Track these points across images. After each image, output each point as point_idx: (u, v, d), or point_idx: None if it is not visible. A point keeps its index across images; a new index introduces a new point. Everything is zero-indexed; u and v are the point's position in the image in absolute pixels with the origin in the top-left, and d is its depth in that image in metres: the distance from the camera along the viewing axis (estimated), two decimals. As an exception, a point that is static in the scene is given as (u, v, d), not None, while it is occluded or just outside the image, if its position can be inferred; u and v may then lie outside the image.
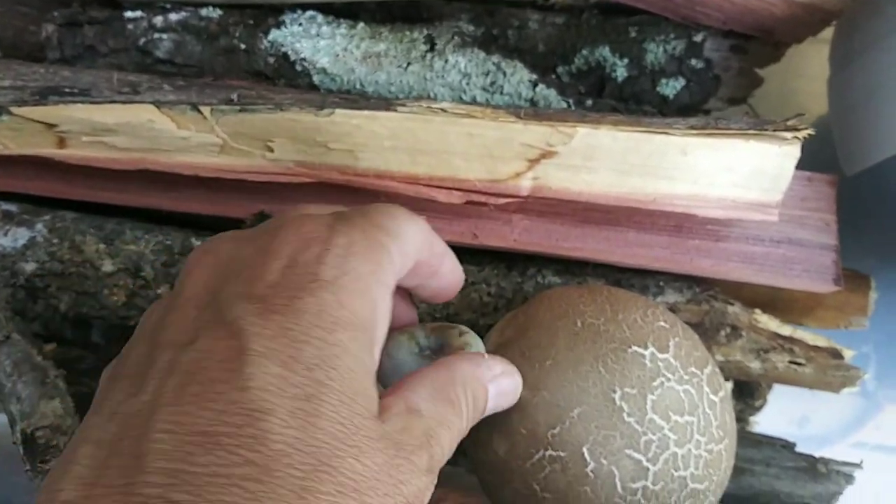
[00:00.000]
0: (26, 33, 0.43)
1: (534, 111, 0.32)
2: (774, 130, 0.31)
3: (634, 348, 0.28)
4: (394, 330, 0.27)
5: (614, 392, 0.28)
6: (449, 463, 0.40)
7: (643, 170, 0.32)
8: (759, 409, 0.45)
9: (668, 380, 0.28)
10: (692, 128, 0.31)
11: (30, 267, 0.34)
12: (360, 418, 0.19)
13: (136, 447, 0.17)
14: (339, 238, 0.21)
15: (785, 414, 0.49)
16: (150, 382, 0.18)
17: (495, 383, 0.26)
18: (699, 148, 0.31)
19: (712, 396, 0.29)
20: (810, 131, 0.31)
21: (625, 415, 0.27)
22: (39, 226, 0.35)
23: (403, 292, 0.28)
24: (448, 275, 0.27)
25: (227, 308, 0.19)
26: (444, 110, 0.32)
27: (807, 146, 0.33)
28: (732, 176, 0.32)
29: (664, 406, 0.28)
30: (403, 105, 0.32)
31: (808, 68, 0.46)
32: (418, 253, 0.24)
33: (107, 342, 0.39)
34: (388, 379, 0.27)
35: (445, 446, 0.22)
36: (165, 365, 0.19)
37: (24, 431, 0.27)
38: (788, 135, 0.31)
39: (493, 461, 0.30)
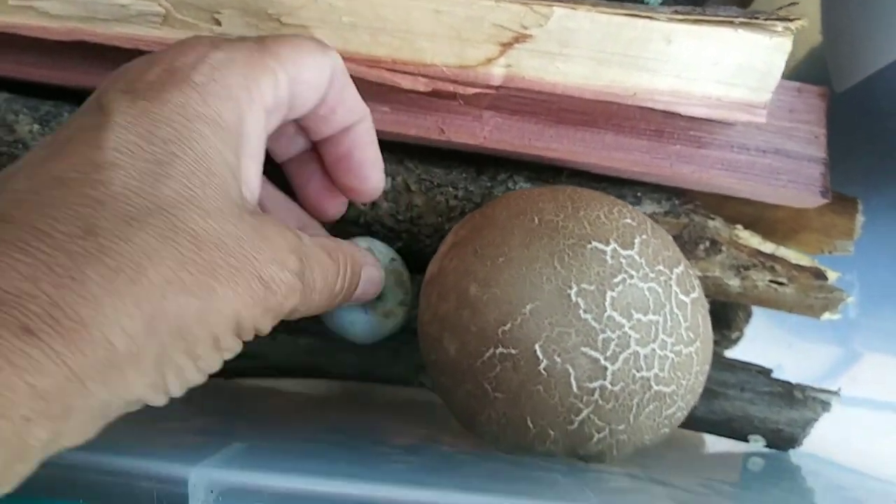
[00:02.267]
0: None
1: (507, -11, 0.30)
2: (765, 20, 0.29)
3: (594, 244, 0.26)
4: None
5: (570, 288, 0.26)
6: (407, 383, 0.38)
7: (623, 60, 0.30)
8: (735, 341, 0.43)
9: (631, 277, 0.26)
10: (677, 13, 0.29)
11: (-42, 145, 0.32)
12: (214, 192, 0.21)
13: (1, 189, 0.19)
14: (218, 53, 0.23)
15: (758, 361, 0.47)
16: (30, 153, 0.21)
17: (368, 269, 0.28)
18: (684, 36, 0.29)
19: (682, 297, 0.27)
20: (803, 21, 0.29)
21: (581, 311, 0.25)
22: (-29, 103, 0.32)
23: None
24: (355, 140, 0.28)
25: (105, 97, 0.21)
26: (408, -17, 0.29)
27: (797, 68, 0.31)
28: (718, 70, 0.29)
29: (625, 303, 0.26)
30: (364, -24, 0.29)
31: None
32: (318, 88, 0.25)
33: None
34: None
35: (317, 280, 0.24)
36: (46, 140, 0.21)
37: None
38: (780, 25, 0.29)
39: (444, 361, 0.28)
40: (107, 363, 0.17)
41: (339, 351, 0.38)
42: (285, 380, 0.44)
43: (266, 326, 0.22)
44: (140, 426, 0.30)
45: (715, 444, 0.40)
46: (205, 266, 0.19)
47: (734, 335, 0.43)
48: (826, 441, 0.40)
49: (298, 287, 0.22)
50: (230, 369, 0.39)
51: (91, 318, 0.17)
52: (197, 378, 0.21)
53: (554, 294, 0.26)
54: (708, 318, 0.29)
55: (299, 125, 0.28)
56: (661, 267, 0.27)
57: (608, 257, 0.26)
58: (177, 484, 0.22)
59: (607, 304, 0.26)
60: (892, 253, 0.39)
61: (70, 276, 0.17)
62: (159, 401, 0.20)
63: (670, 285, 0.27)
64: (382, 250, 0.32)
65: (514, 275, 0.26)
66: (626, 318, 0.26)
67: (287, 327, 0.37)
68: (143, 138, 0.20)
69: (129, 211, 0.19)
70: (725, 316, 0.42)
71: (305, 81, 0.24)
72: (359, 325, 0.32)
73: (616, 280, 0.26)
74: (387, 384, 0.40)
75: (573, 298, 0.26)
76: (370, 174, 0.29)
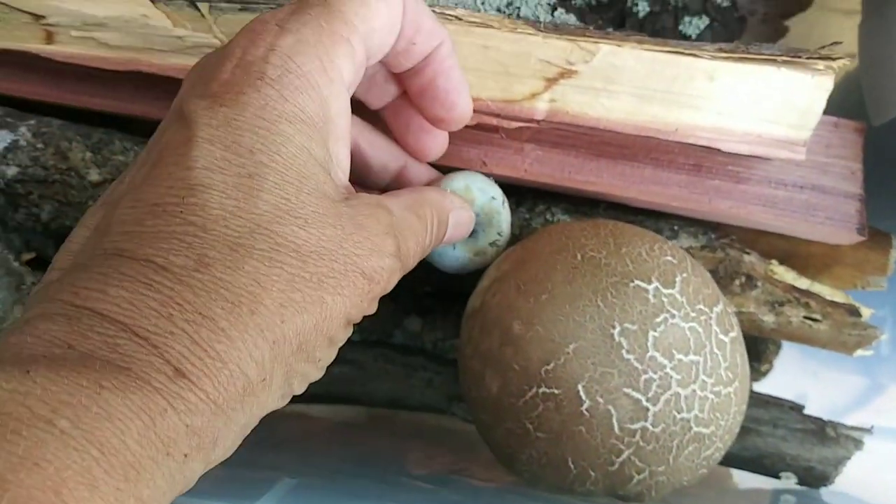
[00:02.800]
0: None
1: (554, 25, 0.30)
2: (807, 59, 0.29)
3: (637, 282, 0.27)
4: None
5: (613, 328, 0.26)
6: (440, 410, 0.39)
7: (667, 96, 0.30)
8: (764, 374, 0.43)
9: (673, 316, 0.26)
10: (721, 50, 0.29)
11: (11, 171, 0.33)
12: (308, 196, 0.21)
13: (107, 222, 0.20)
14: (286, 38, 0.22)
15: (784, 391, 0.47)
16: (129, 175, 0.22)
17: (455, 213, 0.28)
18: (727, 74, 0.29)
19: (721, 336, 0.27)
20: (845, 61, 0.29)
21: (624, 351, 0.26)
22: (23, 129, 0.33)
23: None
24: (437, 68, 0.26)
25: (186, 105, 0.21)
26: (458, 18, 0.30)
27: (831, 97, 0.31)
28: (760, 108, 0.30)
29: (667, 343, 0.26)
30: (412, 13, 0.30)
31: (833, 20, 0.44)
32: (392, 31, 0.24)
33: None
34: None
35: (411, 248, 0.24)
36: (141, 159, 0.22)
37: None
38: (822, 64, 0.29)
39: (486, 399, 0.28)
40: (244, 392, 0.19)
41: (372, 379, 0.38)
42: (311, 404, 0.44)
43: (373, 309, 0.23)
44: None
45: (746, 479, 0.40)
46: (312, 280, 0.20)
47: (764, 367, 0.43)
48: (853, 475, 0.40)
49: (398, 267, 0.23)
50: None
51: (227, 353, 0.18)
52: (318, 375, 0.22)
53: (597, 333, 0.26)
54: (746, 357, 0.29)
55: (383, 67, 0.27)
56: (701, 306, 0.27)
57: (650, 296, 0.27)
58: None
59: (650, 344, 0.26)
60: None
61: (199, 313, 0.18)
62: (285, 402, 0.21)
63: (710, 325, 0.27)
64: (482, 187, 0.31)
65: (557, 312, 0.27)
66: (667, 358, 0.26)
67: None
68: (230, 150, 0.20)
69: (232, 235, 0.19)
70: (756, 349, 0.42)
71: (379, 30, 0.23)
72: (447, 259, 0.32)
73: (658, 320, 0.26)
74: (416, 412, 0.41)
75: (616, 338, 0.26)
76: (457, 100, 0.27)
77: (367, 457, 0.39)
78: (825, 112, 0.32)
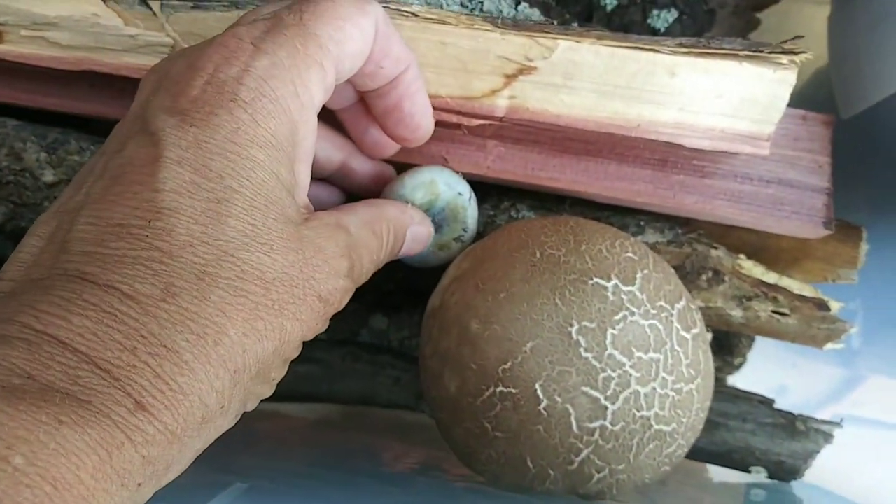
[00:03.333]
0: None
1: (512, 21, 0.30)
2: (770, 53, 0.29)
3: (596, 280, 0.26)
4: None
5: (571, 326, 0.26)
6: (408, 407, 0.38)
7: (627, 92, 0.29)
8: (737, 367, 0.43)
9: (633, 314, 0.26)
10: (682, 45, 0.29)
11: (-35, 171, 0.32)
12: (274, 222, 0.21)
13: (65, 236, 0.19)
14: (261, 59, 0.22)
15: (763, 382, 0.47)
16: (85, 184, 0.21)
17: (413, 228, 0.28)
18: (689, 69, 0.29)
19: (683, 333, 0.27)
20: (808, 55, 0.29)
21: (582, 350, 0.25)
22: (-22, 129, 0.33)
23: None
24: (403, 91, 0.27)
25: (152, 119, 0.21)
26: (414, 14, 0.29)
27: (803, 90, 0.30)
28: (722, 103, 0.29)
29: (626, 341, 0.26)
30: (368, 9, 0.29)
31: (805, 12, 0.43)
32: (363, 54, 0.24)
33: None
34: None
35: (365, 266, 0.25)
36: (99, 169, 0.21)
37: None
38: (785, 58, 0.29)
39: (444, 398, 0.28)
40: (203, 421, 0.19)
41: (339, 378, 0.38)
42: (286, 402, 0.44)
43: (325, 327, 0.23)
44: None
45: (718, 473, 0.39)
46: (274, 307, 0.20)
47: (737, 361, 0.43)
48: (828, 467, 0.40)
49: (350, 287, 0.23)
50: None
51: (188, 385, 0.18)
52: (270, 392, 0.23)
53: (555, 332, 0.26)
54: (709, 354, 0.29)
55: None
56: (662, 303, 0.27)
57: (610, 294, 0.26)
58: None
59: (608, 342, 0.26)
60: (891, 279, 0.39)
61: (164, 346, 0.18)
62: (236, 420, 0.21)
63: (671, 322, 0.27)
64: (449, 181, 0.31)
65: (514, 311, 0.26)
66: (626, 356, 0.26)
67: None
68: (199, 174, 0.20)
69: (199, 262, 0.19)
70: (728, 342, 0.42)
71: (350, 54, 0.24)
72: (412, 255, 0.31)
73: (617, 317, 0.26)
74: (388, 409, 0.40)
75: (574, 336, 0.26)
76: (421, 122, 0.28)
77: (341, 455, 0.38)
78: (794, 105, 0.32)
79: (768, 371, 0.49)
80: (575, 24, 0.36)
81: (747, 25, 0.42)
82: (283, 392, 0.39)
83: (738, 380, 0.48)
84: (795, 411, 0.38)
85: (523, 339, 0.26)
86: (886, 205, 0.38)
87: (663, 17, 0.39)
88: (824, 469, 0.40)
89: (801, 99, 0.34)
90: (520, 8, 0.35)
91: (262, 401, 0.40)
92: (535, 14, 0.35)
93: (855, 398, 0.53)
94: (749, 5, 0.41)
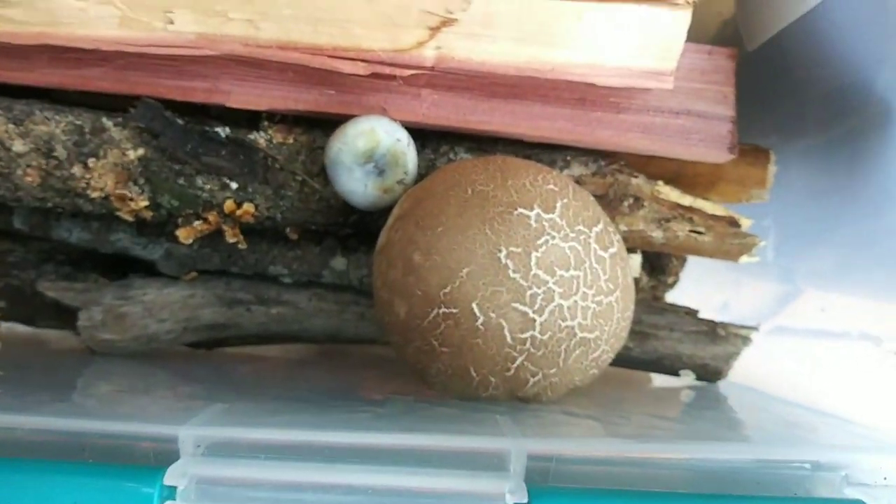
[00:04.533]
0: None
1: (432, -21, 0.32)
2: (668, -4, 0.32)
3: (520, 210, 0.30)
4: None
5: (500, 251, 0.29)
6: (374, 341, 0.42)
7: (541, 38, 0.32)
8: (671, 285, 0.47)
9: (553, 238, 0.30)
10: (587, -6, 0.32)
11: (-64, 148, 0.34)
12: None
13: None
14: None
15: (707, 300, 0.51)
16: None
17: None
18: (593, 13, 0.32)
19: (601, 252, 0.31)
20: (700, -3, 0.32)
21: (510, 271, 0.29)
22: (-56, 107, 0.35)
23: None
24: None
25: None
26: (341, -22, 0.32)
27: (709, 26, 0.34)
28: (627, 43, 0.33)
29: (549, 262, 0.29)
30: (301, -27, 0.32)
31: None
32: None
33: (30, 228, 0.40)
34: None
35: None
36: None
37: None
38: (680, 0, 0.32)
39: (395, 322, 0.31)
40: None
41: (308, 318, 0.41)
42: (266, 346, 0.47)
43: None
44: (135, 396, 0.34)
45: (658, 381, 0.44)
46: None
47: (670, 280, 0.47)
48: (759, 372, 0.44)
49: None
50: (212, 340, 0.43)
51: None
52: None
53: (486, 257, 0.29)
54: (627, 270, 0.33)
55: None
56: (580, 227, 0.31)
57: (532, 221, 0.30)
58: (168, 441, 0.26)
59: (532, 263, 0.29)
60: (803, 198, 0.43)
61: None
62: None
63: (590, 243, 0.31)
64: (388, 129, 0.34)
65: (451, 242, 0.30)
66: (549, 275, 0.29)
67: (259, 300, 0.41)
68: None
69: None
70: (660, 263, 0.46)
71: None
72: (358, 197, 0.35)
73: (539, 241, 0.30)
74: (356, 344, 0.44)
75: (503, 261, 0.29)
76: None
77: (318, 387, 0.42)
78: (700, 41, 0.36)
79: (709, 290, 0.53)
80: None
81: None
82: (260, 333, 0.42)
83: (680, 298, 0.52)
84: (742, 321, 0.42)
85: (459, 266, 0.29)
86: (793, 127, 0.42)
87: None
88: (756, 374, 0.45)
89: (708, 36, 0.37)
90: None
91: (238, 342, 0.44)
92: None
93: (791, 310, 0.58)
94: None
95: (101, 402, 0.33)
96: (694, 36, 0.34)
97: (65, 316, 0.42)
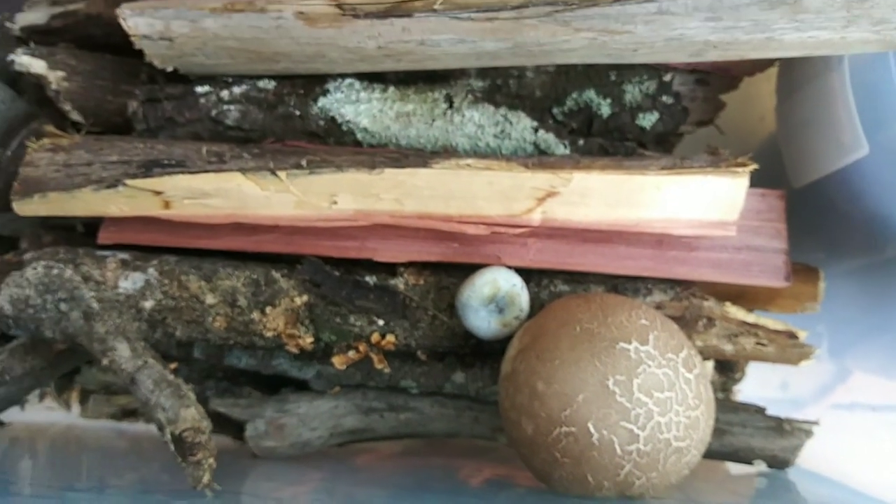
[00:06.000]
0: (105, 102, 0.51)
1: (539, 160, 0.41)
2: (727, 167, 0.40)
3: (622, 344, 0.38)
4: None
5: (608, 380, 0.37)
6: (488, 438, 0.49)
7: (627, 202, 0.41)
8: (738, 380, 0.54)
9: (650, 366, 0.37)
10: (663, 168, 0.40)
11: (149, 304, 0.44)
12: None
13: None
14: None
15: (769, 382, 0.58)
16: None
17: None
18: (669, 184, 0.40)
19: (687, 374, 0.38)
20: (755, 167, 0.40)
21: (617, 396, 0.37)
22: (151, 270, 0.44)
23: None
24: None
25: None
26: (469, 165, 0.40)
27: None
28: (697, 203, 0.41)
29: (647, 387, 0.37)
30: (437, 162, 0.41)
31: (761, 94, 0.54)
32: None
33: (207, 357, 0.49)
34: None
35: None
36: None
37: (173, 434, 0.36)
38: (739, 169, 0.40)
39: (523, 438, 0.39)
40: None
41: (431, 421, 0.49)
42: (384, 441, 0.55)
43: None
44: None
45: (733, 468, 0.51)
46: None
47: (738, 375, 0.54)
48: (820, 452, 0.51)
49: None
50: (348, 440, 0.51)
51: None
52: None
53: (597, 385, 0.37)
54: (708, 386, 0.40)
55: None
56: (670, 354, 0.38)
57: (632, 353, 0.38)
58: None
59: (635, 388, 0.37)
60: (851, 309, 0.50)
61: None
62: None
63: (678, 367, 0.38)
64: (506, 277, 0.42)
65: (566, 373, 0.38)
66: (648, 397, 0.37)
67: (391, 407, 0.49)
68: None
69: None
70: (729, 363, 0.53)
71: None
72: (482, 331, 0.43)
73: (639, 370, 0.37)
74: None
75: (611, 387, 0.37)
76: None
77: (422, 475, 0.49)
78: (755, 184, 0.43)
79: (770, 372, 0.60)
80: (581, 142, 0.47)
81: (716, 108, 0.53)
82: (390, 435, 0.50)
83: (747, 383, 0.59)
84: (798, 404, 0.49)
85: (576, 393, 0.37)
86: (838, 251, 0.49)
87: (647, 118, 0.50)
88: (818, 456, 0.51)
89: (762, 166, 0.44)
90: (538, 134, 0.47)
91: (370, 439, 0.52)
92: (551, 137, 0.47)
93: (847, 386, 0.64)
94: (713, 93, 0.53)
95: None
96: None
97: (223, 423, 0.51)
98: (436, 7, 0.36)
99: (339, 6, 0.38)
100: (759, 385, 0.58)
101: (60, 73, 0.50)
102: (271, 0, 0.39)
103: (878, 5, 0.32)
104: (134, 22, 0.42)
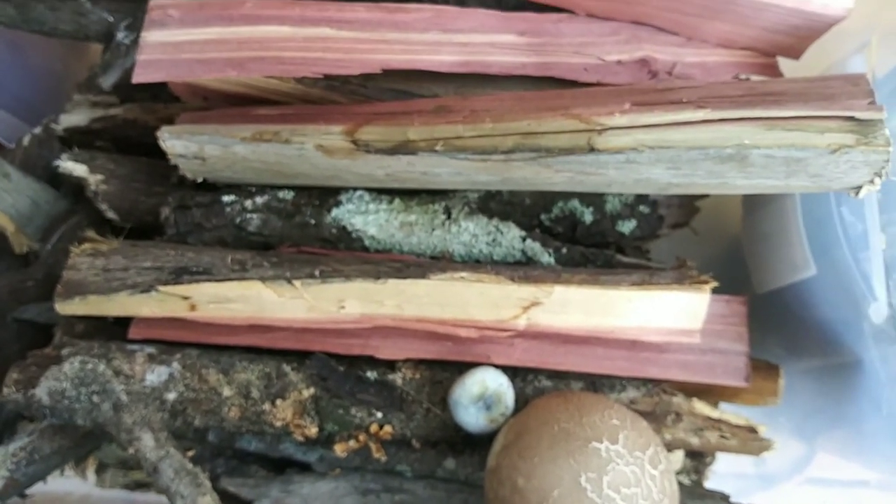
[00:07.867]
0: (139, 203, 0.57)
1: (525, 274, 0.46)
2: (691, 283, 0.45)
3: (594, 444, 0.42)
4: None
5: (580, 477, 0.41)
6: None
7: (602, 312, 0.46)
8: (709, 464, 0.58)
9: (618, 464, 0.42)
10: (634, 284, 0.45)
11: (172, 396, 0.48)
12: None
13: None
14: None
15: (744, 459, 0.62)
16: None
17: None
18: (639, 297, 0.45)
19: (652, 471, 0.43)
20: (715, 284, 0.45)
21: (588, 492, 0.41)
22: (175, 364, 0.49)
23: None
24: None
25: None
26: (463, 278, 0.46)
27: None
28: (664, 314, 0.46)
29: (616, 483, 0.41)
30: (435, 274, 0.46)
31: (734, 200, 0.60)
32: None
33: (220, 441, 0.53)
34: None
35: None
36: None
37: (193, 518, 0.41)
38: (701, 286, 0.45)
39: (506, 524, 0.44)
40: None
41: (423, 502, 0.53)
42: None
43: None
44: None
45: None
46: None
47: (708, 459, 0.58)
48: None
49: None
50: None
51: None
52: None
53: (571, 482, 0.42)
54: (674, 480, 0.45)
55: None
56: (637, 452, 0.43)
57: (602, 452, 0.42)
58: None
59: (605, 485, 0.41)
60: (805, 401, 0.55)
61: None
62: None
63: (644, 465, 0.43)
64: (493, 377, 0.47)
65: (545, 470, 0.42)
66: (616, 493, 0.41)
67: (387, 489, 0.53)
68: None
69: None
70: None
71: None
72: (472, 426, 0.47)
73: (608, 468, 0.42)
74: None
75: (583, 484, 0.41)
76: None
77: None
78: (718, 291, 0.49)
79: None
80: (564, 250, 0.52)
81: (690, 212, 0.59)
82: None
83: (721, 459, 0.63)
84: (771, 479, 0.53)
85: (552, 488, 0.42)
86: (796, 350, 0.54)
87: (626, 225, 0.55)
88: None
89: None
90: (526, 243, 0.52)
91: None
92: (537, 246, 0.52)
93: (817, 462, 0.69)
94: (688, 202, 0.58)
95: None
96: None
97: (232, 501, 0.55)
98: (437, 148, 0.42)
99: (353, 142, 0.44)
100: (732, 461, 0.62)
101: (100, 177, 0.56)
102: (295, 133, 0.45)
103: (812, 164, 0.37)
104: (171, 144, 0.48)
